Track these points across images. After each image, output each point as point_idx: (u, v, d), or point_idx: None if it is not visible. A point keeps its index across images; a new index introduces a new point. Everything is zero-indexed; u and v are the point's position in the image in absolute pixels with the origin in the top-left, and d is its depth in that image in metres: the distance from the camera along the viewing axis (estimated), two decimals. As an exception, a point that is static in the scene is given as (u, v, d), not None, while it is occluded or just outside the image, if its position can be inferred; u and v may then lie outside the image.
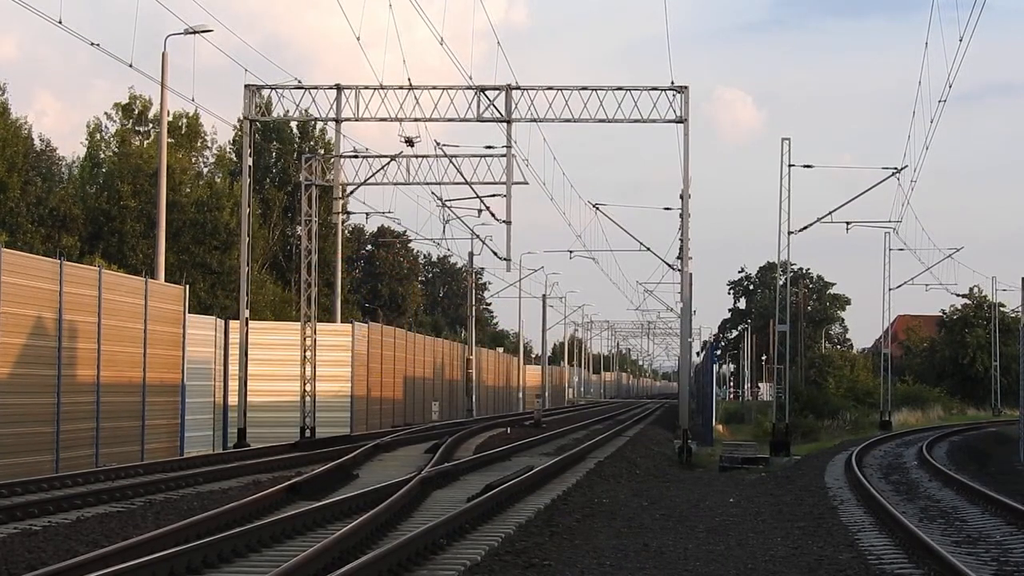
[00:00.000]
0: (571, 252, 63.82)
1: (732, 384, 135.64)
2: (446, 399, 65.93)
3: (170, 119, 58.36)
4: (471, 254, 72.95)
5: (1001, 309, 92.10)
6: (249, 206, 38.58)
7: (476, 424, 50.46)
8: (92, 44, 27.82)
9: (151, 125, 66.55)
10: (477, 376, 73.70)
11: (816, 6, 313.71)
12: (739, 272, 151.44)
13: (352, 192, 45.49)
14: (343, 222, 70.05)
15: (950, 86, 30.81)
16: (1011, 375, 76.04)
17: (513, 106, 36.54)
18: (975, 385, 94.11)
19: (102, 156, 66.83)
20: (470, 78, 36.18)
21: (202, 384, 37.78)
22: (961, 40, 27.70)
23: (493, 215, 40.02)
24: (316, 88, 37.19)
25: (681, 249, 40.96)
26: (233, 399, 39.06)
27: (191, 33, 37.22)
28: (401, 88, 36.39)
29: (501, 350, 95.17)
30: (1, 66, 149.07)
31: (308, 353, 39.10)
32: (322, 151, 67.26)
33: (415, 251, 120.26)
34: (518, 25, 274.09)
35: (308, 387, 38.82)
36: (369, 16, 36.66)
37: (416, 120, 36.82)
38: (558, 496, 22.03)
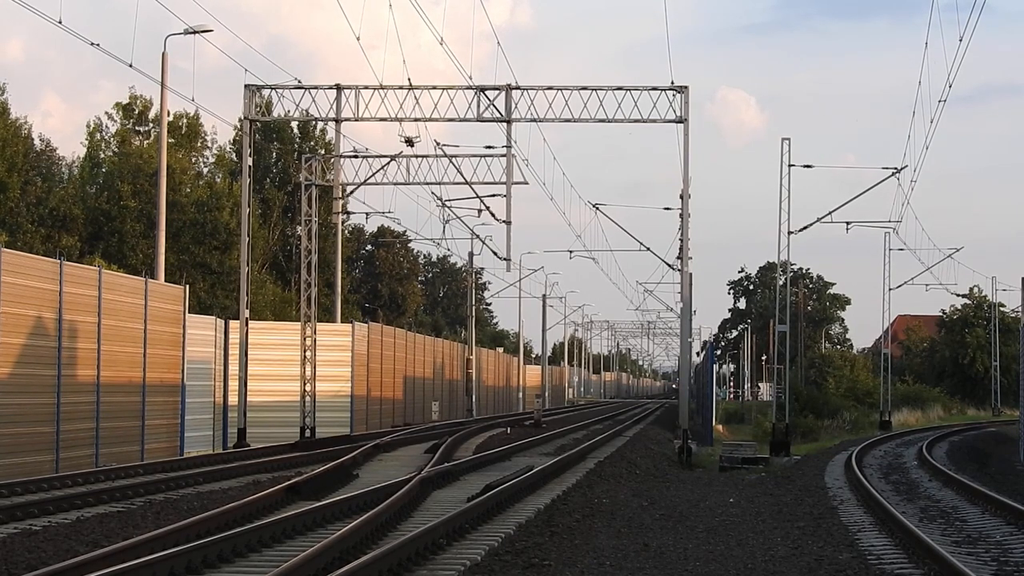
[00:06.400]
0: (571, 252, 63.96)
1: (732, 384, 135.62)
2: (446, 399, 65.92)
3: (170, 119, 58.39)
4: (471, 254, 73.02)
5: (1001, 309, 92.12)
6: (249, 206, 38.57)
7: (476, 424, 50.45)
8: (92, 44, 27.85)
9: (151, 125, 66.56)
10: (477, 376, 73.69)
11: (818, 8, 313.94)
12: (739, 272, 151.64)
13: (352, 192, 45.51)
14: (343, 222, 70.05)
15: (950, 86, 30.88)
16: (1011, 375, 76.10)
17: (513, 106, 36.56)
18: (975, 385, 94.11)
19: (102, 156, 66.82)
20: (470, 78, 36.24)
21: (202, 384, 37.78)
22: (961, 40, 27.74)
23: (493, 215, 40.06)
24: (316, 88, 37.18)
25: (681, 249, 40.97)
26: (233, 399, 39.07)
27: (191, 33, 37.20)
28: (401, 88, 36.41)
29: (501, 350, 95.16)
30: (6, 68, 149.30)
31: (308, 353, 39.10)
32: (322, 151, 67.26)
33: (415, 251, 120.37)
34: (522, 26, 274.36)
35: (308, 387, 38.82)
36: (372, 18, 36.76)
37: (416, 120, 36.85)
38: (558, 496, 22.02)
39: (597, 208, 47.87)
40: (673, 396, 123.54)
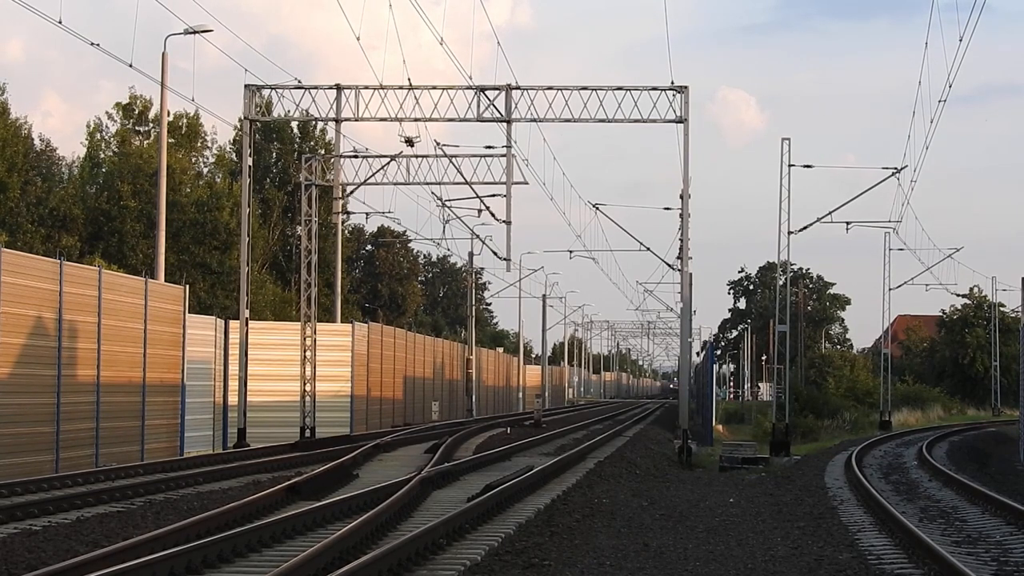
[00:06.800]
0: (571, 252, 63.97)
1: (732, 384, 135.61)
2: (446, 399, 65.91)
3: (170, 119, 58.38)
4: (471, 254, 73.01)
5: (1001, 309, 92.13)
6: (249, 206, 38.57)
7: (476, 424, 50.44)
8: (92, 44, 27.85)
9: (151, 125, 66.58)
10: (477, 376, 73.68)
11: (818, 8, 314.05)
12: (739, 272, 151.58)
13: (352, 192, 45.51)
14: (343, 222, 70.04)
15: (950, 86, 30.89)
16: (1011, 375, 76.08)
17: (513, 106, 36.56)
18: (975, 385, 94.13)
19: (102, 156, 66.83)
20: (470, 78, 36.24)
21: (202, 384, 37.78)
22: (961, 40, 27.73)
23: (493, 215, 40.06)
24: (316, 88, 37.18)
25: (681, 249, 40.98)
26: (233, 399, 39.06)
27: (191, 33, 37.20)
28: (401, 88, 36.41)
29: (501, 350, 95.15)
30: (6, 67, 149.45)
31: (308, 353, 39.10)
32: (322, 151, 67.25)
33: (415, 251, 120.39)
34: (522, 26, 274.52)
35: (308, 387, 38.82)
36: (372, 18, 36.80)
37: (416, 120, 36.85)
38: (558, 496, 22.02)
39: (597, 208, 47.91)
40: (673, 396, 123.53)
